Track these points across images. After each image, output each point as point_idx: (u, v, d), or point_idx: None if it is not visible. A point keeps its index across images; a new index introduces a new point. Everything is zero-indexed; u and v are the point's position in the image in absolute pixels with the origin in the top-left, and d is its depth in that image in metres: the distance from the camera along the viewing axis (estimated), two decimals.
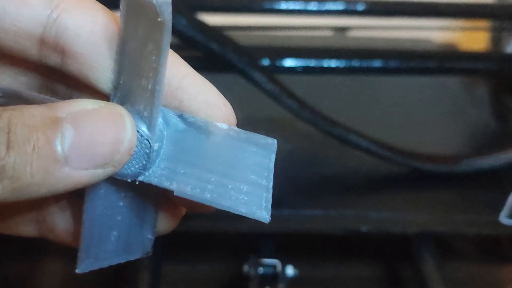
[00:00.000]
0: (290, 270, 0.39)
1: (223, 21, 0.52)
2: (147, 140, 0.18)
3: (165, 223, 0.22)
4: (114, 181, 0.19)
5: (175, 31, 0.41)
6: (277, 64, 0.45)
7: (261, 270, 0.38)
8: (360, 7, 0.49)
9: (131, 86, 0.18)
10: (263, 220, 0.19)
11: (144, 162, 0.18)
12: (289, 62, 0.46)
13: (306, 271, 0.39)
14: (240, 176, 0.19)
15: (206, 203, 0.19)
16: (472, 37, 0.67)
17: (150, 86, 0.18)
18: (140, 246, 0.21)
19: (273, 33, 0.60)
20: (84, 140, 0.17)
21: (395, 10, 0.51)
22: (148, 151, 0.18)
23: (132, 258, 0.21)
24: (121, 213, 0.20)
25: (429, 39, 0.65)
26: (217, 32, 0.42)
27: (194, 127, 0.19)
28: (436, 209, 0.41)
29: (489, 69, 0.50)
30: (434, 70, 0.49)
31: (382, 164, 0.44)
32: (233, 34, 0.44)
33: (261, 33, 0.58)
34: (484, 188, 0.43)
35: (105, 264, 0.21)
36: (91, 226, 0.20)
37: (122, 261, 0.21)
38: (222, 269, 0.40)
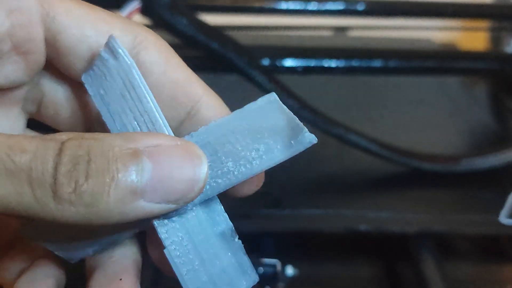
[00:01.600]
0: (289, 270, 0.39)
1: (223, 21, 0.52)
2: None
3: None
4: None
5: (176, 31, 0.41)
6: (277, 64, 0.45)
7: (261, 269, 0.38)
8: (360, 7, 0.49)
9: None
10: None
11: None
12: (289, 62, 0.46)
13: (306, 271, 0.40)
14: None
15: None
16: (472, 37, 0.67)
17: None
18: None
19: (273, 33, 0.60)
20: (162, 175, 0.18)
21: (395, 10, 0.51)
22: None
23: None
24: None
25: (429, 39, 0.65)
26: (217, 32, 0.42)
27: None
28: (435, 209, 0.41)
29: (488, 69, 0.50)
30: (433, 70, 0.49)
31: (381, 164, 0.44)
32: (234, 34, 0.44)
33: (261, 33, 0.59)
34: (484, 188, 0.43)
35: None
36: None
37: None
38: None
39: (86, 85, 0.21)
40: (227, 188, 0.20)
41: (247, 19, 0.53)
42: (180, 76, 0.22)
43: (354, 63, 0.47)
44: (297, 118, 0.21)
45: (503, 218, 0.39)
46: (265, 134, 0.20)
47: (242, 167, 0.20)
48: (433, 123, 0.51)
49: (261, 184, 0.23)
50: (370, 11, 0.49)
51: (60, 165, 0.17)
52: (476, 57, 0.51)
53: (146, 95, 0.20)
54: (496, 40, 0.61)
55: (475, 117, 0.54)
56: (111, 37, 0.20)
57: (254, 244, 0.40)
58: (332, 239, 0.42)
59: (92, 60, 0.21)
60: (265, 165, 0.20)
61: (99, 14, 0.21)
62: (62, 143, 0.17)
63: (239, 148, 0.20)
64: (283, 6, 0.48)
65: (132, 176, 0.17)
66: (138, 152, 0.18)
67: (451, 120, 0.53)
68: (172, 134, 0.20)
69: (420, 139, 0.48)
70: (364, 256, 0.42)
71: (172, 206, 0.18)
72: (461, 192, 0.43)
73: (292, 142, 0.21)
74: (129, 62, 0.20)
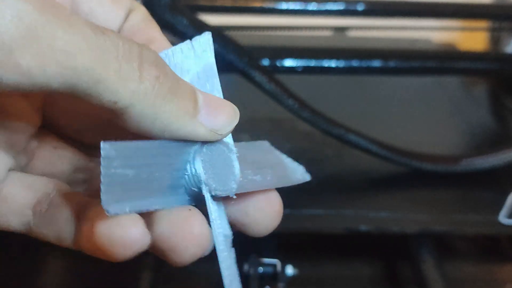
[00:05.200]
0: (289, 270, 0.39)
1: (223, 21, 0.52)
2: None
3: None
4: None
5: (176, 31, 0.41)
6: (277, 64, 0.45)
7: (261, 269, 0.38)
8: (360, 7, 0.49)
9: None
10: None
11: None
12: (289, 62, 0.46)
13: (306, 271, 0.40)
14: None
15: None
16: (472, 37, 0.67)
17: None
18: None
19: (273, 33, 0.60)
20: (211, 105, 0.20)
21: (395, 11, 0.51)
22: None
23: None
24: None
25: (429, 39, 0.65)
26: (217, 32, 0.42)
27: None
28: (435, 209, 0.41)
29: (488, 69, 0.50)
30: (433, 70, 0.49)
31: (381, 164, 0.44)
32: (234, 34, 0.44)
33: (261, 33, 0.59)
34: (483, 188, 0.43)
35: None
36: None
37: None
38: None
39: None
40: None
41: (247, 19, 0.53)
42: None
43: (354, 63, 0.47)
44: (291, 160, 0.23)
45: (502, 218, 0.39)
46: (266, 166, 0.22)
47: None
48: (433, 123, 0.52)
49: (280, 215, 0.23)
50: (369, 12, 0.49)
51: (145, 53, 0.19)
52: (475, 57, 0.51)
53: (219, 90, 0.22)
54: (495, 40, 0.61)
55: (475, 117, 0.54)
56: (208, 34, 0.22)
57: (254, 244, 0.40)
58: (332, 239, 0.42)
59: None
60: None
61: None
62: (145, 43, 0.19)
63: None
64: (283, 6, 0.48)
65: (194, 98, 0.20)
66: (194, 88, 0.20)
67: (451, 120, 0.53)
68: None
69: (420, 139, 0.48)
70: (364, 256, 0.42)
71: (215, 136, 0.20)
72: (461, 192, 0.43)
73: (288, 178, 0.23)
74: (212, 60, 0.22)
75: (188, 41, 0.22)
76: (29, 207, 0.21)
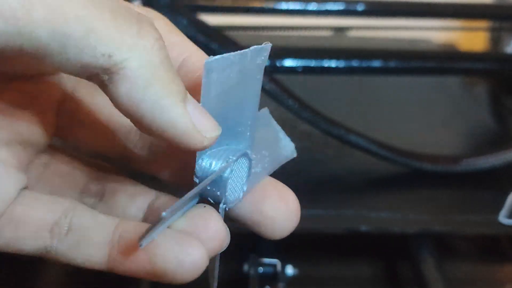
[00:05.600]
0: (289, 270, 0.39)
1: (223, 21, 0.52)
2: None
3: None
4: None
5: None
6: (277, 64, 0.45)
7: (261, 269, 0.38)
8: (360, 7, 0.49)
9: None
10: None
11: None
12: (289, 62, 0.46)
13: (306, 271, 0.40)
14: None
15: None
16: (472, 37, 0.67)
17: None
18: None
19: (273, 33, 0.60)
20: (198, 107, 0.18)
21: (395, 11, 0.51)
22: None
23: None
24: None
25: (429, 39, 0.65)
26: (217, 32, 0.42)
27: None
28: (435, 209, 0.41)
29: (488, 69, 0.50)
30: (433, 70, 0.49)
31: (382, 164, 0.44)
32: (234, 34, 0.44)
33: (261, 33, 0.59)
34: (483, 188, 0.43)
35: None
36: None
37: None
38: (222, 268, 0.40)
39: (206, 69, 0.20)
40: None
41: (247, 19, 0.53)
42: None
43: (354, 63, 0.47)
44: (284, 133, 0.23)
45: (502, 218, 0.39)
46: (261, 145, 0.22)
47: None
48: (433, 124, 0.52)
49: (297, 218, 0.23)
50: (369, 12, 0.49)
51: (142, 17, 0.18)
52: (475, 57, 0.51)
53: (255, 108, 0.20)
54: (495, 40, 0.61)
55: (475, 117, 0.54)
56: (268, 45, 0.21)
57: (254, 244, 0.40)
58: (332, 239, 0.42)
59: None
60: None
61: None
62: None
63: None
64: (283, 6, 0.48)
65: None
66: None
67: (451, 120, 0.53)
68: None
69: (420, 140, 0.48)
70: (364, 256, 0.42)
71: (199, 136, 0.18)
72: (461, 192, 0.43)
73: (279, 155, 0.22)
74: (261, 75, 0.20)
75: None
76: (47, 230, 0.20)
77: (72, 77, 0.22)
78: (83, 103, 0.23)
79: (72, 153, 0.24)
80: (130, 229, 0.20)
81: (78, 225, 0.20)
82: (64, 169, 0.23)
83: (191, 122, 0.18)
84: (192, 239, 0.19)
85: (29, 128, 0.21)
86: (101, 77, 0.17)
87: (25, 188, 0.21)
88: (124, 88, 0.17)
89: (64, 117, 0.23)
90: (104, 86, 0.17)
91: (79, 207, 0.21)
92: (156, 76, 0.17)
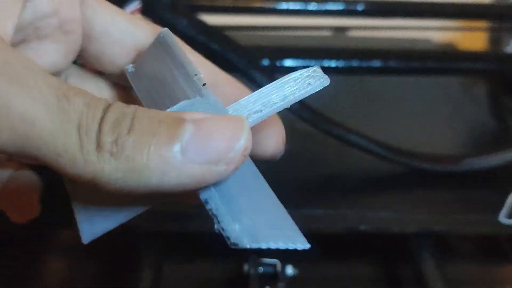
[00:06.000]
0: (290, 270, 0.39)
1: (223, 21, 0.52)
2: None
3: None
4: None
5: (176, 32, 0.41)
6: (277, 64, 0.45)
7: (261, 269, 0.38)
8: (360, 7, 0.49)
9: None
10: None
11: None
12: (289, 62, 0.46)
13: (306, 271, 0.40)
14: None
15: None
16: (472, 37, 0.67)
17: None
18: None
19: (273, 33, 0.60)
20: (202, 134, 0.17)
21: (394, 11, 0.51)
22: None
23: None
24: None
25: (429, 39, 0.65)
26: (217, 32, 0.42)
27: None
28: (435, 209, 0.41)
29: (488, 69, 0.50)
30: (433, 70, 0.49)
31: (381, 164, 0.44)
32: (234, 34, 0.44)
33: (261, 33, 0.59)
34: (483, 188, 0.43)
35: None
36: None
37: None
38: (222, 268, 0.40)
39: (129, 76, 0.22)
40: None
41: (247, 19, 0.53)
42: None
43: (354, 63, 0.47)
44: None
45: (502, 218, 0.39)
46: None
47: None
48: (432, 123, 0.52)
49: (283, 141, 0.24)
50: (369, 12, 0.49)
51: (106, 117, 0.17)
52: (475, 57, 0.51)
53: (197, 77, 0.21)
54: (495, 40, 0.61)
55: (475, 117, 0.54)
56: (166, 31, 0.22)
57: None
58: (331, 239, 0.42)
59: (135, 53, 0.23)
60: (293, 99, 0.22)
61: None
62: (112, 102, 0.18)
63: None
64: (283, 6, 0.48)
65: (174, 134, 0.17)
66: (183, 119, 0.18)
67: (450, 120, 0.53)
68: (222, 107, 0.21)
69: (420, 139, 0.48)
70: (364, 256, 0.42)
71: (213, 168, 0.18)
72: (461, 192, 0.43)
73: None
74: (181, 52, 0.22)
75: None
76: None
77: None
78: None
79: None
80: None
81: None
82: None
83: (199, 167, 0.17)
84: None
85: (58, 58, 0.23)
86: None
87: None
88: (107, 187, 0.17)
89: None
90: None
91: None
92: (130, 170, 0.17)
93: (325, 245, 0.43)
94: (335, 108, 0.48)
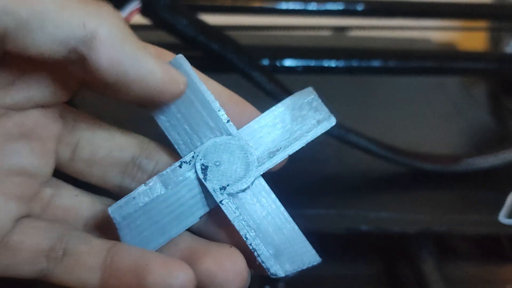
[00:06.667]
0: None
1: (223, 21, 0.52)
2: None
3: None
4: None
5: (176, 31, 0.41)
6: (277, 64, 0.45)
7: None
8: (360, 7, 0.49)
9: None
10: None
11: None
12: (289, 62, 0.46)
13: (306, 270, 0.40)
14: None
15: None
16: (471, 37, 0.67)
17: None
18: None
19: (273, 33, 0.60)
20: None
21: (394, 11, 0.51)
22: None
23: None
24: None
25: (428, 39, 0.65)
26: (217, 32, 0.42)
27: None
28: (435, 209, 0.41)
29: (488, 69, 0.50)
30: (433, 70, 0.49)
31: (381, 164, 0.44)
32: (234, 34, 0.44)
33: (261, 33, 0.59)
34: (483, 188, 0.43)
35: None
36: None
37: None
38: None
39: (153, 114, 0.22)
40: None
41: (247, 19, 0.53)
42: None
43: (354, 63, 0.47)
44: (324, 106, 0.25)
45: (502, 218, 0.39)
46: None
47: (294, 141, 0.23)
48: (432, 123, 0.52)
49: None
50: (369, 12, 0.49)
51: None
52: (475, 57, 0.51)
53: (220, 115, 0.22)
54: (495, 40, 0.61)
55: (475, 117, 0.54)
56: (181, 57, 0.22)
57: None
58: (332, 239, 0.42)
59: None
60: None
61: None
62: None
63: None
64: (283, 6, 0.48)
65: None
66: None
67: (450, 120, 0.53)
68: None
69: (420, 139, 0.48)
70: (364, 256, 0.42)
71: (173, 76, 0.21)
72: (461, 192, 0.43)
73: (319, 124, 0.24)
74: (200, 84, 0.22)
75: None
76: (43, 255, 0.21)
77: (73, 110, 0.23)
78: (83, 137, 0.23)
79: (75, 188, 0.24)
80: (122, 253, 0.21)
81: (72, 249, 0.21)
82: (68, 202, 0.24)
83: (167, 70, 0.20)
84: (181, 263, 0.20)
85: (29, 160, 0.22)
86: (80, 50, 0.19)
87: (26, 216, 0.22)
88: (104, 51, 0.18)
89: (64, 150, 0.23)
90: (85, 60, 0.19)
91: (74, 232, 0.22)
92: (126, 34, 0.19)
93: (325, 245, 0.43)
94: (335, 108, 0.48)
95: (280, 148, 0.23)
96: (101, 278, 0.20)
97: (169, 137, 0.22)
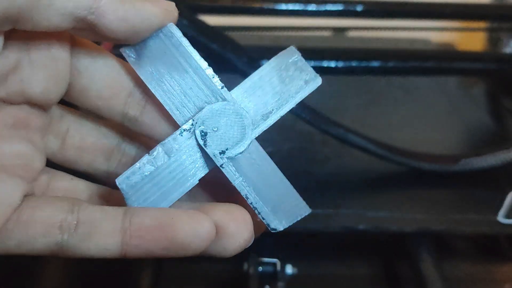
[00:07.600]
0: (289, 269, 0.39)
1: (223, 21, 0.52)
2: None
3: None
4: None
5: None
6: None
7: (260, 268, 0.38)
8: (359, 8, 0.49)
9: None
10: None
11: None
12: None
13: (305, 270, 0.40)
14: None
15: None
16: (470, 37, 0.68)
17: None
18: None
19: (273, 33, 0.60)
20: None
21: (393, 11, 0.51)
22: None
23: None
24: None
25: (428, 39, 0.65)
26: (217, 32, 0.42)
27: None
28: (434, 208, 0.41)
29: (487, 69, 0.50)
30: (432, 70, 0.49)
31: (380, 164, 0.44)
32: (234, 35, 0.44)
33: (261, 33, 0.59)
34: (482, 188, 0.44)
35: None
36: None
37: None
38: (222, 267, 0.41)
39: (130, 62, 0.23)
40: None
41: (247, 19, 0.53)
42: None
43: (353, 63, 0.47)
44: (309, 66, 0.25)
45: (501, 218, 0.39)
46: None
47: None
48: (432, 123, 0.52)
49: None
50: (368, 12, 0.49)
51: None
52: (474, 57, 0.51)
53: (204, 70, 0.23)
54: (494, 40, 0.61)
55: (474, 117, 0.54)
56: (171, 25, 0.23)
57: (254, 243, 0.40)
58: (331, 239, 0.42)
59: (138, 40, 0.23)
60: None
61: None
62: None
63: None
64: (283, 7, 0.48)
65: None
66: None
67: (449, 120, 0.53)
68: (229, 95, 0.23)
69: (419, 139, 0.48)
70: (363, 255, 0.42)
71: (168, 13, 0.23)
72: (460, 191, 0.44)
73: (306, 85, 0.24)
74: (192, 51, 0.24)
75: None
76: (56, 226, 0.21)
77: (60, 105, 0.24)
78: (72, 126, 0.25)
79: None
80: (140, 214, 0.21)
81: (87, 218, 0.21)
82: (66, 185, 0.24)
83: (162, 5, 0.22)
84: (201, 213, 0.21)
85: (24, 148, 0.22)
86: (89, 19, 0.20)
87: (31, 194, 0.22)
88: (111, 14, 0.20)
89: (54, 140, 0.24)
90: (95, 26, 0.20)
91: (84, 204, 0.22)
92: None
93: (324, 244, 0.43)
94: (335, 108, 0.48)
95: (272, 110, 0.24)
96: (122, 242, 0.21)
97: (164, 105, 0.23)
